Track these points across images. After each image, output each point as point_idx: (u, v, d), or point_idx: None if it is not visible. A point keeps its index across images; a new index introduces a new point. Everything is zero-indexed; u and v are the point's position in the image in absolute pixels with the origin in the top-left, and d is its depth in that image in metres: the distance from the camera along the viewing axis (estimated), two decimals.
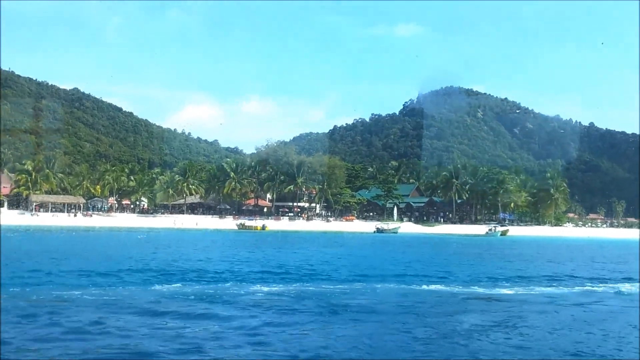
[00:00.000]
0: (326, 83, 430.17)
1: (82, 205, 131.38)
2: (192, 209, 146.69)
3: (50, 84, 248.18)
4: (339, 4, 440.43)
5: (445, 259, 50.09)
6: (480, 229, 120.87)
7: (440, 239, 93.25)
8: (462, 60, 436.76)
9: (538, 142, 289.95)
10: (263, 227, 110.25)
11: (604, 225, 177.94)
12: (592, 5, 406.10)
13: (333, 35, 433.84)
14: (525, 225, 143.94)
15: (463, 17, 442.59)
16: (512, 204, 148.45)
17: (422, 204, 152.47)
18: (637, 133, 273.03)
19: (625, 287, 30.78)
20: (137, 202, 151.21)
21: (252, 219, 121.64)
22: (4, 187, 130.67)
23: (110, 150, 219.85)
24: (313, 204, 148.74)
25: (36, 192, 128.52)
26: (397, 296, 25.13)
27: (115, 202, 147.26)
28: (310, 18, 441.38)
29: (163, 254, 45.20)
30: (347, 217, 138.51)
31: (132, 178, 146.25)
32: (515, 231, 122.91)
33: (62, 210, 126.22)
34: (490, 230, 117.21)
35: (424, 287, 28.17)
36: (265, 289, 25.96)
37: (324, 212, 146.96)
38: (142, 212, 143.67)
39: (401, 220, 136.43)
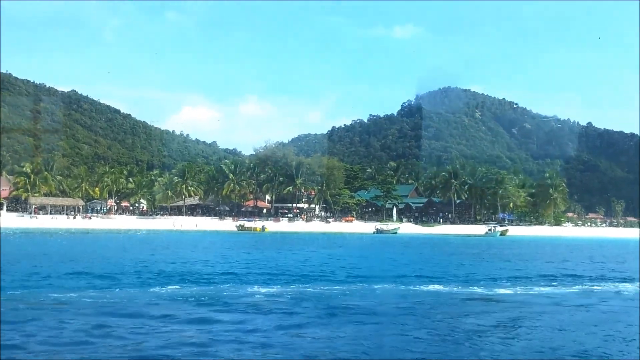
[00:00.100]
0: (324, 84, 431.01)
1: (81, 207, 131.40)
2: (191, 210, 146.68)
3: (48, 86, 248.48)
4: (337, 5, 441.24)
5: (444, 259, 50.01)
6: (479, 229, 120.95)
7: (439, 240, 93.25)
8: (460, 61, 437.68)
9: (536, 142, 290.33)
10: (262, 229, 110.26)
11: (604, 225, 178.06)
12: (591, 5, 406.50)
13: (331, 37, 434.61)
14: (525, 225, 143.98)
15: (461, 17, 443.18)
16: (511, 204, 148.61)
17: (421, 205, 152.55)
18: (635, 132, 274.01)
19: (625, 286, 30.77)
20: (136, 204, 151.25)
21: (252, 220, 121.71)
22: (3, 189, 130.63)
23: (108, 152, 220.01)
24: (312, 205, 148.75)
25: (35, 194, 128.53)
26: (397, 297, 25.03)
27: (114, 204, 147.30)
28: (308, 19, 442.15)
29: (162, 256, 45.15)
30: (347, 218, 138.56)
31: (130, 180, 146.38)
32: (515, 231, 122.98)
33: (61, 213, 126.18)
34: (489, 230, 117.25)
35: (423, 287, 28.07)
36: (264, 290, 25.88)
37: (323, 213, 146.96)
38: (141, 214, 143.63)
39: (400, 220, 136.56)
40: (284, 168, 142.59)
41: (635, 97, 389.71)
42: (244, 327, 17.72)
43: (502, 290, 27.75)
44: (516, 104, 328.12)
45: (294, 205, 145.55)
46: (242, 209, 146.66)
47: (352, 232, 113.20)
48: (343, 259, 46.67)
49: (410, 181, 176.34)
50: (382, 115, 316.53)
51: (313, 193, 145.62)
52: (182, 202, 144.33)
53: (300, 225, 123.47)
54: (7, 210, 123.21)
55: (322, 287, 27.09)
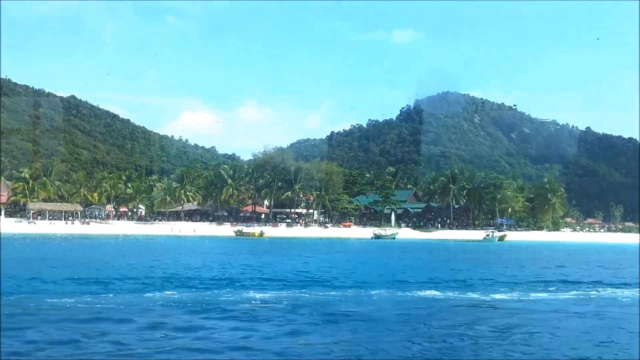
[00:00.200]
0: (323, 89, 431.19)
1: (79, 212, 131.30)
2: (190, 215, 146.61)
3: (47, 91, 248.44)
4: (336, 10, 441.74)
5: (441, 264, 50.02)
6: (477, 234, 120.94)
7: (437, 245, 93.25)
8: (459, 65, 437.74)
9: (535, 146, 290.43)
10: (261, 234, 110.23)
11: (602, 230, 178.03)
12: (590, 7, 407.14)
13: (330, 41, 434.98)
14: (523, 230, 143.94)
15: (460, 21, 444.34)
16: (509, 209, 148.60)
17: (420, 210, 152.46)
18: (634, 137, 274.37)
19: (623, 292, 30.79)
20: (135, 209, 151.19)
21: (250, 226, 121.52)
22: (1, 194, 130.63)
23: (107, 157, 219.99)
24: (311, 210, 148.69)
25: (33, 199, 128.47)
26: (394, 303, 25.09)
27: (112, 209, 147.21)
28: (308, 23, 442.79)
29: (159, 262, 45.08)
30: (345, 223, 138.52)
31: (129, 185, 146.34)
32: (513, 236, 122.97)
33: (59, 218, 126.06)
34: (487, 235, 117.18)
35: (420, 293, 28.17)
36: (260, 295, 25.95)
37: (321, 218, 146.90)
38: (140, 219, 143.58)
39: (399, 225, 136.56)
40: (282, 173, 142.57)
41: (634, 101, 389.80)
42: (241, 334, 17.71)
43: (498, 296, 27.81)
44: (515, 105, 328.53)
45: (293, 210, 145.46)
46: (241, 214, 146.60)
47: (350, 237, 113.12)
48: (341, 264, 46.71)
49: (409, 186, 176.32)
50: (381, 120, 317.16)
51: (312, 198, 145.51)
52: (181, 207, 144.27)
53: (298, 231, 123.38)
54: (5, 215, 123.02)
55: (319, 293, 27.10)
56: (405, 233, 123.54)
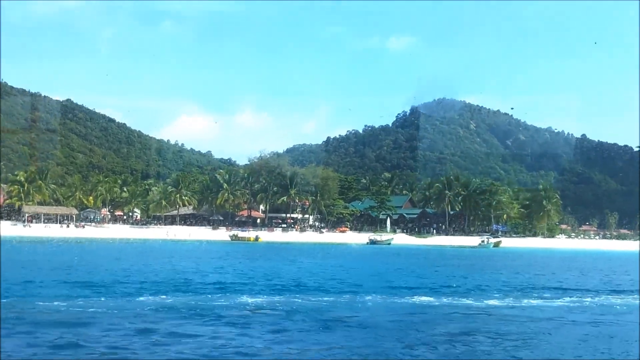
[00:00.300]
0: (320, 94, 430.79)
1: (74, 216, 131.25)
2: (185, 220, 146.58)
3: (43, 94, 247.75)
4: (333, 16, 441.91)
5: (436, 270, 50.00)
6: (473, 240, 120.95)
7: (432, 251, 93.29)
8: (455, 72, 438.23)
9: (531, 153, 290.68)
10: (256, 239, 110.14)
11: (597, 237, 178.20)
12: (589, 13, 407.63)
13: (327, 47, 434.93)
14: (518, 236, 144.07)
15: (456, 28, 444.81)
16: (504, 216, 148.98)
17: (415, 215, 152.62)
18: (630, 145, 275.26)
19: (618, 300, 30.86)
20: (130, 213, 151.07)
21: (245, 230, 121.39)
22: None
23: (103, 161, 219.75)
24: (306, 215, 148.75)
25: (29, 203, 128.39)
26: (388, 309, 25.02)
27: (108, 213, 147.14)
28: (304, 30, 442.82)
29: (154, 266, 45.06)
30: (340, 229, 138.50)
31: (125, 189, 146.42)
32: (508, 242, 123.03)
33: (54, 222, 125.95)
34: (483, 241, 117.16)
35: (415, 299, 28.20)
36: (253, 300, 25.96)
37: (317, 224, 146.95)
38: (135, 223, 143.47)
39: (394, 231, 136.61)
40: (278, 178, 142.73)
41: (630, 108, 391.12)
42: (232, 341, 17.61)
43: (492, 302, 27.90)
44: (511, 115, 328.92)
45: (288, 215, 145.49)
46: (236, 219, 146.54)
47: (345, 242, 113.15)
48: (335, 269, 46.71)
49: (404, 192, 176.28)
50: (377, 126, 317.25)
51: (307, 203, 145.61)
52: (176, 211, 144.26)
53: (294, 236, 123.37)
54: (0, 218, 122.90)
55: (314, 299, 27.08)
56: (401, 239, 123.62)
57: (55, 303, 23.07)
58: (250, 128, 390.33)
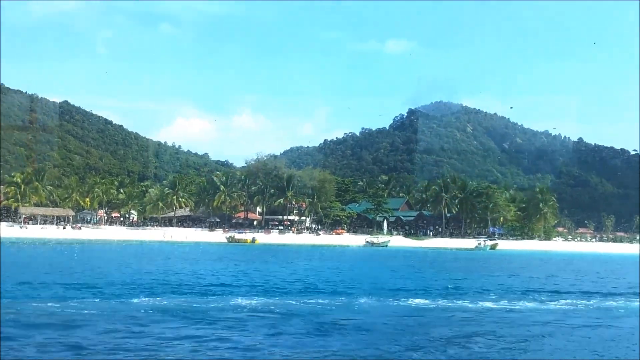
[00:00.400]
0: (317, 97, 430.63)
1: (71, 217, 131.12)
2: (182, 221, 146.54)
3: (40, 96, 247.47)
4: (330, 19, 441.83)
5: (433, 273, 49.96)
6: (469, 243, 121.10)
7: (429, 253, 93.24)
8: (452, 75, 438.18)
9: (527, 157, 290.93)
10: (253, 241, 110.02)
11: (593, 240, 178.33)
12: (587, 16, 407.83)
13: (324, 50, 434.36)
14: (515, 239, 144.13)
15: (453, 32, 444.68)
16: (501, 218, 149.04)
17: (412, 218, 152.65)
18: (626, 148, 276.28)
19: (614, 302, 30.91)
20: (127, 215, 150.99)
21: (242, 232, 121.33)
22: None
23: (100, 163, 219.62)
24: (303, 217, 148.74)
25: (25, 204, 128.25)
26: (385, 312, 25.04)
27: (104, 214, 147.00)
28: (302, 33, 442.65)
29: (150, 267, 45.02)
30: (337, 231, 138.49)
31: (121, 191, 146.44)
32: (505, 245, 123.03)
33: (51, 223, 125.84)
34: (479, 244, 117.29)
35: (410, 301, 28.20)
36: (248, 302, 25.92)
37: (314, 226, 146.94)
38: (132, 224, 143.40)
39: (391, 233, 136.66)
40: (275, 180, 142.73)
41: (627, 111, 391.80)
42: (226, 344, 17.57)
43: (488, 304, 27.93)
44: (508, 118, 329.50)
45: (285, 217, 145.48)
46: (233, 221, 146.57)
47: (342, 244, 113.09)
48: (332, 271, 46.67)
49: (401, 194, 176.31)
50: (374, 129, 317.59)
51: (304, 205, 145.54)
52: (173, 213, 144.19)
53: (290, 238, 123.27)
54: None
55: (311, 301, 27.06)
56: (398, 241, 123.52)
57: (49, 304, 23.05)
58: (247, 130, 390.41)
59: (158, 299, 26.37)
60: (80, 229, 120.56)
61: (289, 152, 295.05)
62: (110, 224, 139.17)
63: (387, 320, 22.82)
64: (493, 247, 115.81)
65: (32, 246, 76.49)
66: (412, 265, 60.42)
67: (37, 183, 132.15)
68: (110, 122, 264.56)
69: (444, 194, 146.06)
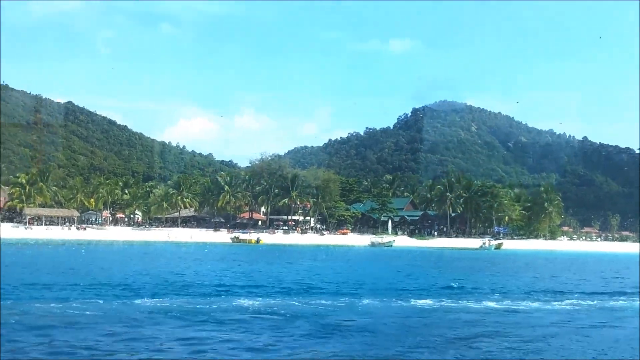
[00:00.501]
0: (321, 97, 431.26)
1: (76, 218, 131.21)
2: (186, 222, 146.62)
3: (44, 97, 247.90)
4: (334, 19, 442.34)
5: (437, 273, 49.83)
6: (474, 243, 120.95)
7: (433, 253, 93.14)
8: (456, 74, 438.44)
9: (532, 155, 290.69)
10: (257, 241, 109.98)
11: (599, 239, 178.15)
12: (591, 14, 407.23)
13: (327, 50, 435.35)
14: (520, 238, 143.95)
15: (457, 30, 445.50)
16: (506, 218, 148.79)
17: (417, 218, 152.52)
18: (631, 147, 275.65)
19: (618, 302, 30.79)
20: (131, 216, 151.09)
21: (247, 232, 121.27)
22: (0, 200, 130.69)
23: (104, 163, 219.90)
24: (308, 217, 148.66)
25: (30, 205, 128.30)
26: (390, 313, 24.96)
27: (109, 215, 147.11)
28: (305, 32, 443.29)
29: (154, 268, 45.02)
30: (342, 231, 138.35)
31: (126, 191, 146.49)
32: (510, 245, 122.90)
33: (56, 224, 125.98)
34: (484, 243, 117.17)
35: (414, 302, 28.10)
36: (252, 303, 25.84)
37: (318, 226, 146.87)
38: (136, 225, 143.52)
39: (395, 233, 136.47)
40: (279, 180, 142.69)
41: (631, 110, 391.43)
42: (229, 345, 17.51)
43: (492, 304, 27.85)
44: (512, 117, 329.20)
45: (290, 217, 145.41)
46: (237, 221, 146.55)
47: (347, 244, 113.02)
48: (336, 272, 46.63)
49: (405, 194, 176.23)
50: (378, 128, 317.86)
51: (308, 205, 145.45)
52: (178, 213, 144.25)
53: (295, 238, 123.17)
54: (1, 220, 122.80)
55: (315, 302, 26.99)
56: (402, 241, 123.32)
57: (51, 305, 23.04)
58: (251, 130, 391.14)
59: (161, 299, 26.31)
60: (85, 229, 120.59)
61: (293, 152, 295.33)
62: (114, 225, 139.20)
63: (391, 321, 22.75)
64: (498, 246, 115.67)
65: (36, 247, 76.54)
66: (416, 265, 60.36)
67: (41, 184, 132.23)
68: (114, 123, 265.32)
69: (448, 194, 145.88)
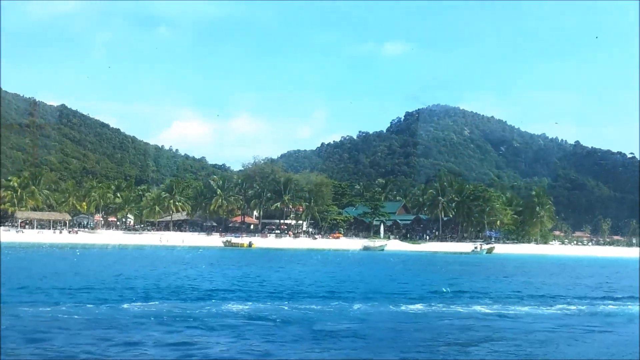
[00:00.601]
0: (314, 100, 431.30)
1: (67, 222, 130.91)
2: (179, 225, 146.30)
3: (37, 100, 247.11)
4: (328, 22, 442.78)
5: (428, 277, 49.94)
6: (466, 247, 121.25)
7: (425, 257, 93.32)
8: (450, 78, 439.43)
9: (524, 160, 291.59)
10: (249, 245, 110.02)
11: (590, 243, 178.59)
12: (587, 18, 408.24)
13: (322, 53, 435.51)
14: (512, 242, 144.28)
15: (451, 34, 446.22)
16: (498, 222, 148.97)
17: (409, 222, 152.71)
18: (623, 151, 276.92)
19: (608, 307, 30.96)
20: (124, 219, 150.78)
21: (239, 236, 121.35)
22: None
23: (97, 166, 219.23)
24: (300, 221, 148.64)
25: (22, 208, 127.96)
26: (381, 318, 24.98)
27: (101, 218, 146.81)
28: (299, 35, 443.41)
29: (145, 272, 44.99)
30: (334, 235, 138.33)
31: (118, 195, 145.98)
32: (502, 249, 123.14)
33: (47, 227, 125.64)
34: (476, 247, 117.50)
35: (404, 307, 28.10)
36: (242, 307, 25.91)
37: (310, 230, 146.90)
38: (128, 229, 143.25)
39: (388, 237, 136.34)
40: (272, 184, 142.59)
41: (624, 114, 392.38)
42: (216, 351, 17.49)
43: (482, 309, 27.95)
44: (505, 122, 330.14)
45: (282, 221, 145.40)
46: (230, 225, 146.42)
47: (339, 248, 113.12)
48: (328, 276, 46.67)
49: (398, 198, 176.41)
50: (371, 132, 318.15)
51: (301, 209, 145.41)
52: (170, 217, 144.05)
53: (287, 242, 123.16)
54: None
55: (306, 307, 27.00)
56: (394, 245, 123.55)
57: (40, 309, 23.04)
58: (244, 133, 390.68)
59: (151, 304, 26.30)
60: (77, 233, 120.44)
61: (286, 156, 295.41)
62: (107, 228, 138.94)
63: (382, 327, 22.80)
64: (489, 251, 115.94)
65: (28, 251, 76.33)
66: (408, 270, 60.45)
67: (33, 187, 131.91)
68: (107, 126, 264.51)
69: (440, 198, 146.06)
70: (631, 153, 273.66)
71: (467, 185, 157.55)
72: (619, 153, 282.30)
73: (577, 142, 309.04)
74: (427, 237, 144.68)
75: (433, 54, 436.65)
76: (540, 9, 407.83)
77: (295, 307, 26.84)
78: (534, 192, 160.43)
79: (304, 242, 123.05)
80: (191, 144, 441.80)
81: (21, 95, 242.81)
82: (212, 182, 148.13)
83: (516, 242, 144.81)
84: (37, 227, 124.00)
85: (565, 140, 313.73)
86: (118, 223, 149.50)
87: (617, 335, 22.63)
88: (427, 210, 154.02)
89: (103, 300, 27.10)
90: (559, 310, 29.01)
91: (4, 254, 66.40)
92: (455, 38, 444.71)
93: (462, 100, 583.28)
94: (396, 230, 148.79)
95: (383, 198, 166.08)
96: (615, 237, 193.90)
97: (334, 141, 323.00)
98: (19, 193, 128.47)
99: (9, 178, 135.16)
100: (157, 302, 26.72)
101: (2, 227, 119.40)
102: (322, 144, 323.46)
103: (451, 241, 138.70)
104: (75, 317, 21.95)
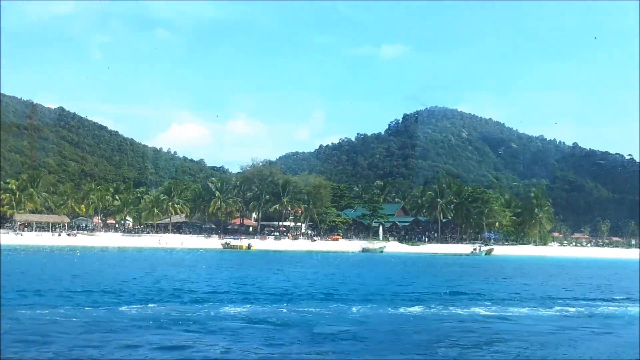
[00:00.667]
0: (312, 102, 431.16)
1: (66, 224, 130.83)
2: (177, 228, 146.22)
3: (35, 102, 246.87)
4: (325, 24, 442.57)
5: (427, 279, 49.87)
6: (465, 248, 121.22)
7: (424, 259, 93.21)
8: (447, 80, 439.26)
9: (522, 161, 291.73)
10: (248, 247, 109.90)
11: (589, 245, 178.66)
12: (585, 20, 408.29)
13: (320, 55, 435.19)
14: (510, 244, 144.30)
15: (448, 36, 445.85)
16: (496, 223, 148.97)
17: (408, 223, 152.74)
18: (621, 153, 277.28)
19: (607, 308, 30.95)
20: (122, 221, 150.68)
21: (238, 238, 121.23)
22: None
23: (95, 169, 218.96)
24: (299, 223, 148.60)
25: (20, 211, 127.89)
26: (381, 321, 24.94)
27: (100, 221, 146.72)
28: (297, 38, 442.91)
29: (143, 274, 44.91)
30: (333, 237, 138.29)
31: (117, 197, 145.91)
32: (500, 250, 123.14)
33: (46, 230, 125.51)
34: (475, 249, 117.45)
35: (403, 309, 28.03)
36: (241, 310, 25.89)
37: (309, 232, 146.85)
38: (127, 231, 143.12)
39: (386, 239, 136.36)
40: (270, 186, 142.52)
41: (623, 116, 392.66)
42: (213, 354, 17.41)
43: (481, 311, 27.91)
44: (503, 123, 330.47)
45: (281, 223, 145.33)
46: (229, 227, 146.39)
47: (338, 250, 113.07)
48: (327, 278, 46.62)
49: (396, 200, 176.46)
50: (369, 134, 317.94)
51: (300, 211, 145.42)
52: (168, 219, 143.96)
53: (286, 244, 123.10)
54: None
55: (305, 309, 26.93)
56: (393, 246, 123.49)
57: (37, 312, 23.00)
58: (242, 135, 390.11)
59: (149, 306, 26.26)
60: (75, 235, 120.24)
61: (285, 158, 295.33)
62: (105, 231, 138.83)
63: (381, 329, 22.76)
64: (488, 252, 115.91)
65: (27, 253, 76.24)
66: (406, 272, 60.36)
67: (32, 190, 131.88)
68: (105, 128, 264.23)
69: (439, 200, 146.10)
70: (629, 154, 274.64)
71: (466, 187, 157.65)
72: (618, 154, 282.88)
73: (575, 143, 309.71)
74: (426, 238, 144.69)
75: (432, 55, 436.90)
76: (540, 9, 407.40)
77: (294, 309, 26.82)
78: (532, 194, 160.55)
79: (302, 244, 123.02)
80: (189, 146, 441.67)
81: (19, 97, 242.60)
82: (210, 184, 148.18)
83: (515, 244, 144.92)
84: (35, 230, 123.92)
85: (564, 142, 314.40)
86: (117, 225, 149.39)
87: (616, 336, 22.58)
88: (425, 212, 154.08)
89: (101, 303, 27.03)
90: (558, 311, 28.98)
91: (3, 256, 66.40)
92: (454, 39, 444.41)
93: (461, 101, 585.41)
94: (395, 232, 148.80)
95: (382, 200, 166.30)
96: (614, 239, 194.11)
97: (332, 143, 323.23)
98: (17, 195, 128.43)
99: (8, 181, 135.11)
100: (155, 305, 26.69)
101: (1, 230, 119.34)
102: (321, 145, 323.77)
103: (450, 243, 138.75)
104: (74, 319, 21.91)
